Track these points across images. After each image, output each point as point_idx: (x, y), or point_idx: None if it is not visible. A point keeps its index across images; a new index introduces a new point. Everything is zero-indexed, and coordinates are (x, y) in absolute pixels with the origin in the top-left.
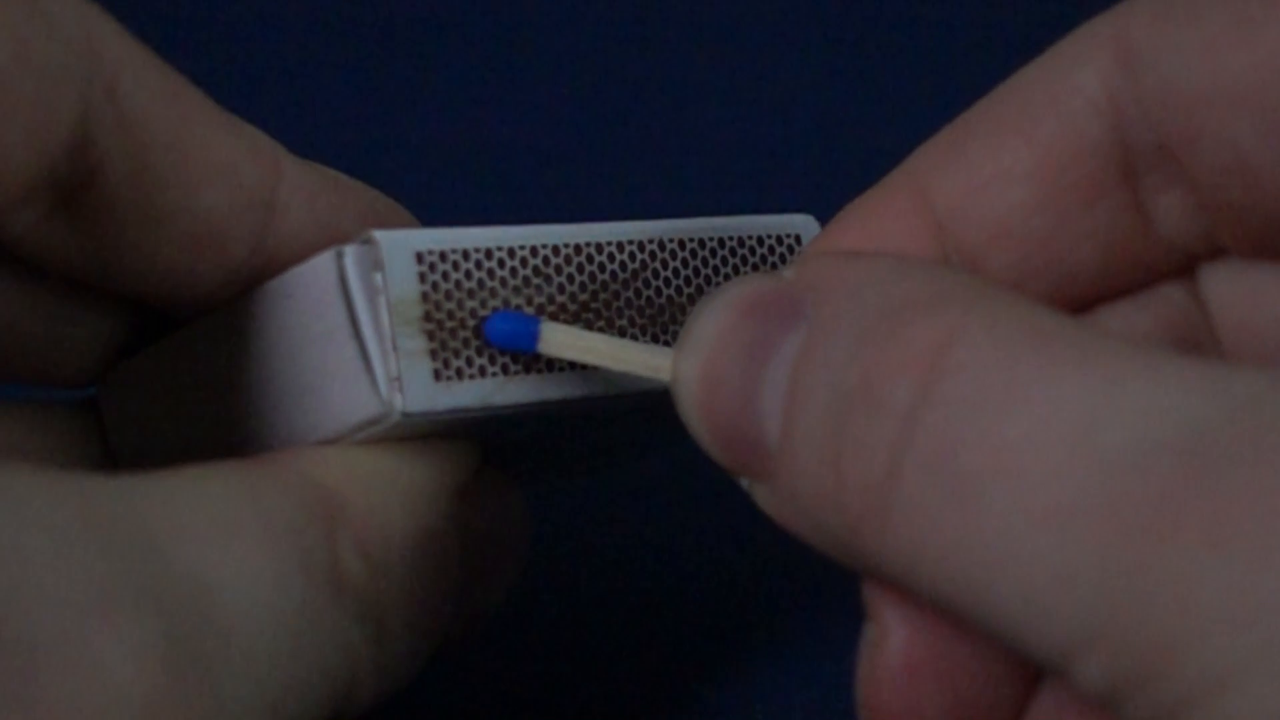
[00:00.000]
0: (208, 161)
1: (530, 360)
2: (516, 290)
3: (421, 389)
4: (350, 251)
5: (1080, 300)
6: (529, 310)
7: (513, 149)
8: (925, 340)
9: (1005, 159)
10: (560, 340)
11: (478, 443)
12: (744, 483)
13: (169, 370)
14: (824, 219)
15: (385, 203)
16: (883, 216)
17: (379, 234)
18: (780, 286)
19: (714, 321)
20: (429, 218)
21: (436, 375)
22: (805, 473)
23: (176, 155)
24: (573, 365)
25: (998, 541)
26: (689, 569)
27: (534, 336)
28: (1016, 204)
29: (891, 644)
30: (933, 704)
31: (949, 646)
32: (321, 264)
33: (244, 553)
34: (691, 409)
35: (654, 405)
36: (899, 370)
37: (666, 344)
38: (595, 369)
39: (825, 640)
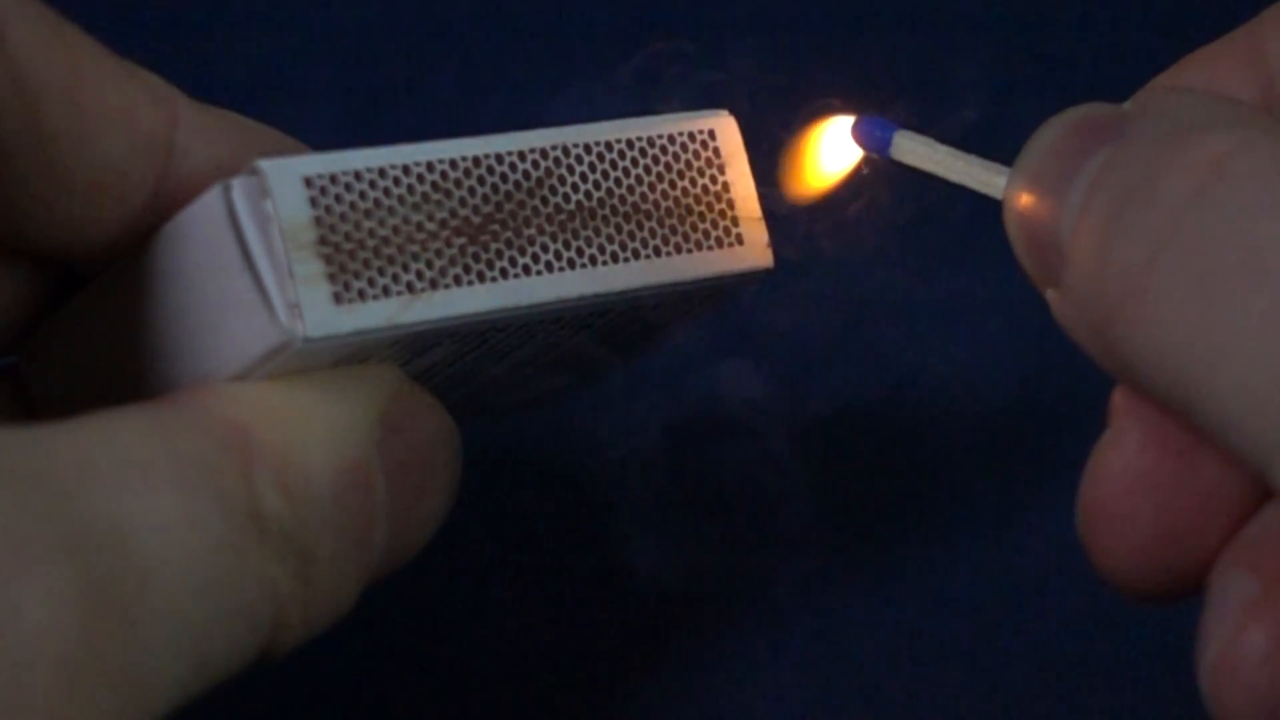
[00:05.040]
0: (102, 109)
1: (436, 277)
2: (416, 207)
3: (322, 313)
4: (237, 184)
5: None
6: (430, 226)
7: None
8: (1213, 148)
9: None
10: (911, 148)
11: (397, 367)
12: (1049, 295)
13: (84, 328)
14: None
15: (289, 143)
16: (1218, 65)
17: (264, 163)
18: (1109, 110)
19: (1043, 138)
20: None
21: (337, 299)
22: (1080, 262)
23: (70, 104)
24: (480, 279)
25: (1229, 335)
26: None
27: (888, 142)
28: None
29: (1124, 447)
30: (1148, 511)
31: (1176, 459)
32: (210, 199)
33: (158, 494)
34: (1009, 216)
35: (568, 321)
36: (1182, 170)
37: (579, 250)
38: (504, 282)
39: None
